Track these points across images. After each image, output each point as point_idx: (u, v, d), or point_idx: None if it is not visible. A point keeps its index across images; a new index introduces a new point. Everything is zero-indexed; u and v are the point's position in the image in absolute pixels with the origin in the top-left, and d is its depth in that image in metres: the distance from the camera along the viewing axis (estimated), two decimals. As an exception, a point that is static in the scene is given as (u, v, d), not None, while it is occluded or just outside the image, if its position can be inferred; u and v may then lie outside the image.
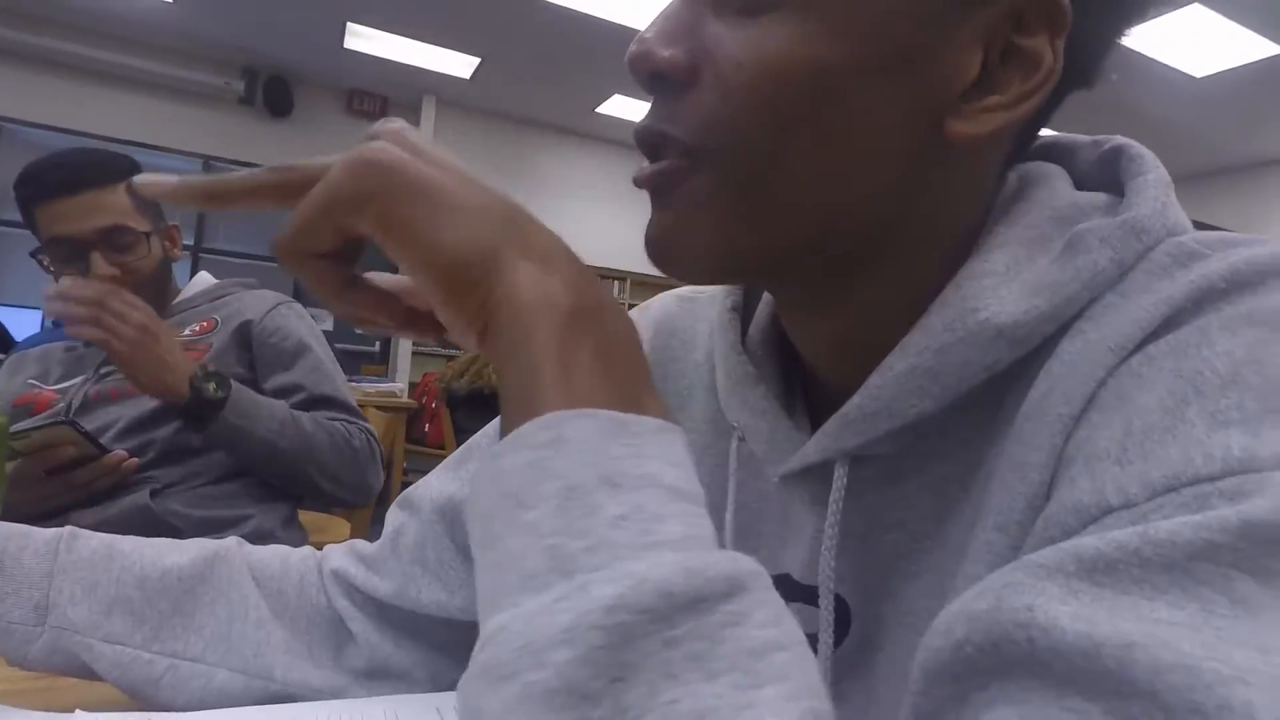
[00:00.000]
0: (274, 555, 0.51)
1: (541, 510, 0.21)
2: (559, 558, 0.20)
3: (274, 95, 5.71)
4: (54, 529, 0.47)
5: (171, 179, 0.29)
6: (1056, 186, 0.33)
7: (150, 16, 4.94)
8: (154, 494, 0.95)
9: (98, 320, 0.87)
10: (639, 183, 0.32)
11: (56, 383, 1.08)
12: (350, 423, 1.09)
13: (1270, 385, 0.22)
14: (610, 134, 6.46)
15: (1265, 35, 4.12)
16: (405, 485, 0.58)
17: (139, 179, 0.29)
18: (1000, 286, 0.30)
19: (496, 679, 0.19)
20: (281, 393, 1.06)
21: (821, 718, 0.19)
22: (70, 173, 1.00)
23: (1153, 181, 0.31)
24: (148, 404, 1.00)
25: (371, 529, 1.71)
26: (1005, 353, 0.29)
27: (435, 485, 0.50)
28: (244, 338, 1.07)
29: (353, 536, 1.13)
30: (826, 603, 0.34)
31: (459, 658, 0.50)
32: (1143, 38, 4.22)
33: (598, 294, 0.26)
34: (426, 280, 0.26)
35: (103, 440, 0.95)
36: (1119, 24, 0.32)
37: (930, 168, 0.31)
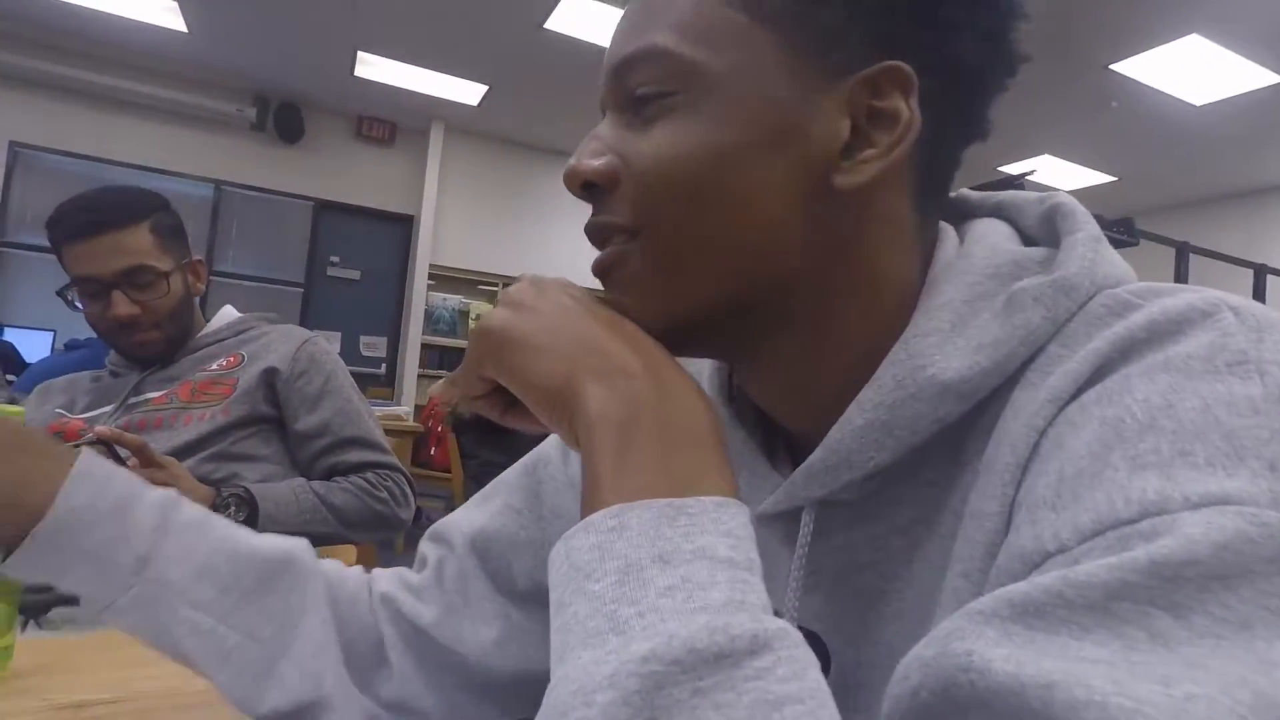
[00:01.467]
0: (332, 564, 0.52)
1: (604, 583, 0.25)
2: (615, 620, 0.24)
3: (285, 121, 5.80)
4: (161, 489, 0.47)
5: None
6: (995, 244, 0.36)
7: (166, 45, 5.04)
8: None
9: None
10: (594, 271, 0.38)
11: (83, 412, 1.10)
12: (378, 468, 1.12)
13: (1182, 428, 0.24)
14: (616, 160, 6.53)
15: (1264, 65, 4.16)
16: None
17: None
18: (945, 343, 0.32)
19: (555, 717, 0.23)
20: (310, 436, 1.11)
21: None
22: (94, 215, 1.03)
23: (1082, 240, 0.34)
24: (175, 437, 1.02)
25: (379, 551, 1.72)
26: (953, 406, 0.32)
27: (465, 519, 0.52)
28: (270, 382, 1.10)
29: (360, 556, 1.14)
30: None
31: (480, 704, 0.51)
32: (1143, 67, 4.29)
33: (657, 398, 0.31)
34: (533, 407, 0.34)
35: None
36: (977, 89, 0.36)
37: (831, 222, 0.34)
